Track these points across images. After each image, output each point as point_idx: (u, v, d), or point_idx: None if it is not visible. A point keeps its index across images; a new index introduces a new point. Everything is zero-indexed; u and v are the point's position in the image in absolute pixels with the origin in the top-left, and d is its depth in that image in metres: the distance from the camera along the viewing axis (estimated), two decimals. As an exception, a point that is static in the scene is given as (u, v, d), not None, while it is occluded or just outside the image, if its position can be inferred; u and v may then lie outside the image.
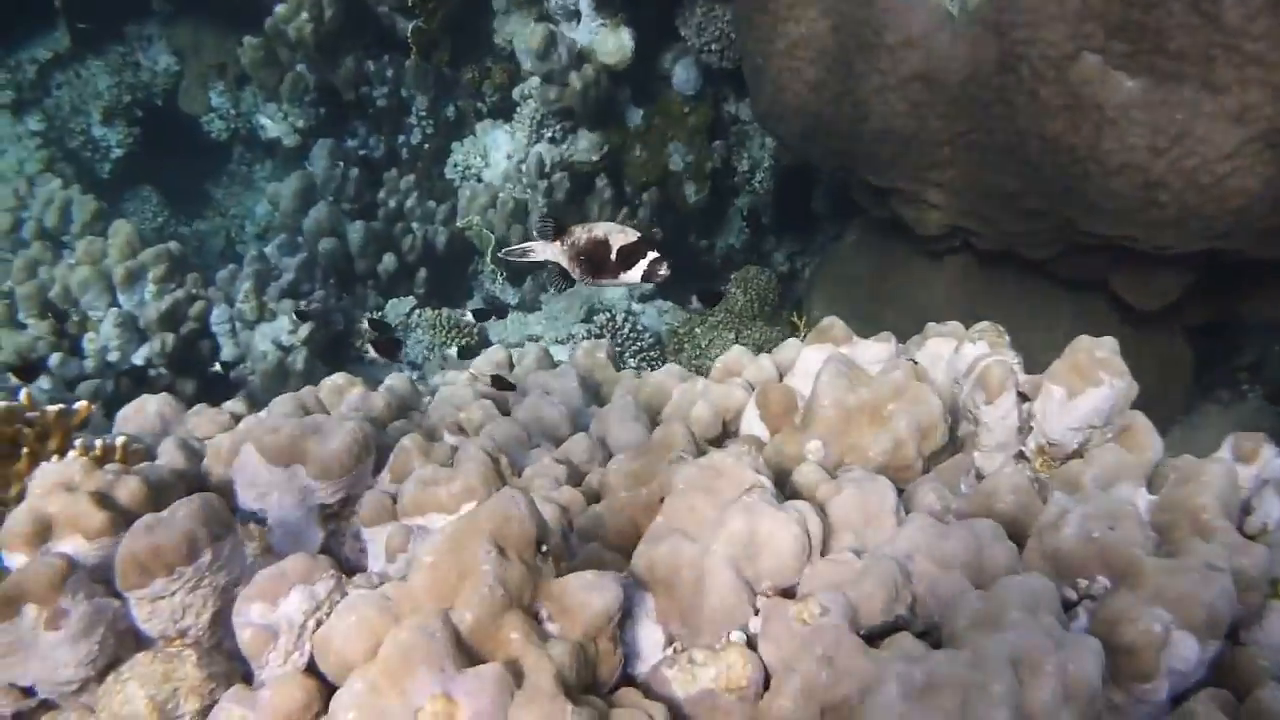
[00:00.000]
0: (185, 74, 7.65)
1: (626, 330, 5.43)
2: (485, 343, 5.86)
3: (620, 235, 2.30)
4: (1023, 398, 2.12)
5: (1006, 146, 3.79)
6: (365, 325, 5.25)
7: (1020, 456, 2.07)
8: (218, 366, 4.89)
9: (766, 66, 4.35)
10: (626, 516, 1.75)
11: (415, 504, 1.87)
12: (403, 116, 6.33)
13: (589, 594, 1.41)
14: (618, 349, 5.33)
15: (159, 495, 1.84)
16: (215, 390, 5.34)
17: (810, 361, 2.26)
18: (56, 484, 1.73)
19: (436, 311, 5.87)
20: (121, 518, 1.73)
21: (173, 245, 5.29)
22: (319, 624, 1.43)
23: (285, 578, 1.43)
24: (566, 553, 1.52)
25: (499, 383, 2.70)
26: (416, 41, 6.02)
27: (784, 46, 4.21)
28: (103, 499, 1.72)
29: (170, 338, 5.08)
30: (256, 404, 5.16)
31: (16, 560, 1.67)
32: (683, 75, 6.05)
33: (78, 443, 1.95)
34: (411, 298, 5.96)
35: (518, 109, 6.09)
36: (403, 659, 1.26)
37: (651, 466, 1.82)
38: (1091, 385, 1.94)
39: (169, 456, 2.03)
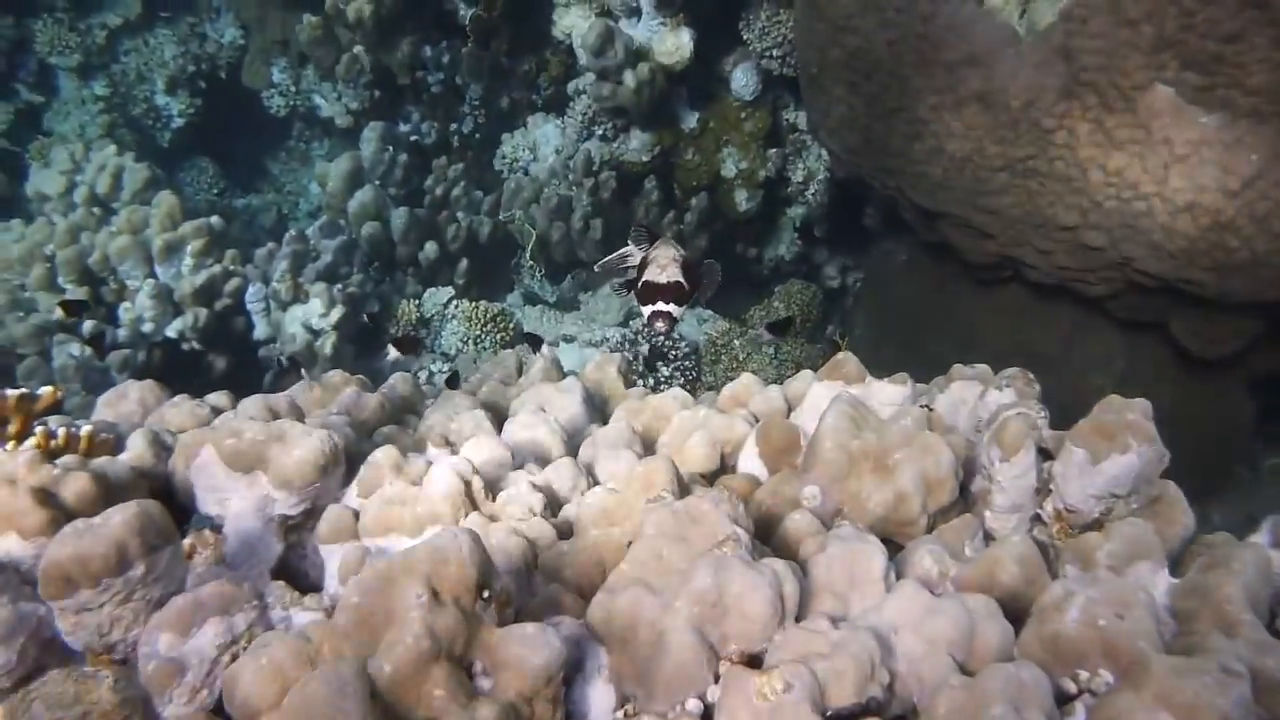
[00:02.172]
0: (250, 48, 7.67)
1: (662, 338, 5.29)
2: (519, 339, 5.77)
3: (657, 270, 2.23)
4: (1045, 455, 1.95)
5: (1065, 177, 3.59)
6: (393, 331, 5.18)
7: (1036, 520, 1.91)
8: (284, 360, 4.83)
9: (821, 77, 4.19)
10: (594, 557, 1.63)
11: (377, 523, 1.76)
12: (457, 104, 6.25)
13: (527, 650, 1.29)
14: (653, 357, 5.21)
15: (112, 494, 1.76)
16: (252, 366, 5.33)
17: (819, 398, 2.11)
18: (-1, 476, 1.65)
19: (474, 304, 5.79)
20: (64, 517, 1.65)
21: (214, 220, 5.27)
22: (234, 659, 1.33)
23: (200, 607, 1.33)
24: (512, 599, 1.40)
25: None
26: (475, 29, 5.93)
27: (840, 57, 4.04)
28: (45, 496, 1.64)
29: (204, 312, 5.06)
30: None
31: (-55, 555, 1.59)
32: (742, 79, 5.89)
33: (38, 429, 1.87)
34: (450, 288, 5.88)
35: (571, 104, 5.98)
36: (305, 713, 1.15)
37: (627, 504, 1.69)
38: (1117, 450, 1.77)
39: (135, 451, 1.94)
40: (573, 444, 2.31)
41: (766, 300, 5.59)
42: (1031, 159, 3.65)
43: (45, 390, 1.98)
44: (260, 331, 5.22)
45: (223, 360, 5.28)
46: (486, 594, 1.33)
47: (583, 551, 1.63)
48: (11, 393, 1.87)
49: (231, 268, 5.17)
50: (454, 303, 5.83)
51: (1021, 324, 4.24)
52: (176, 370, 5.24)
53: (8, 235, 5.51)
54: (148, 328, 5.06)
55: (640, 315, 5.43)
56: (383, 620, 1.26)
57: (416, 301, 5.85)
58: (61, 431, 1.90)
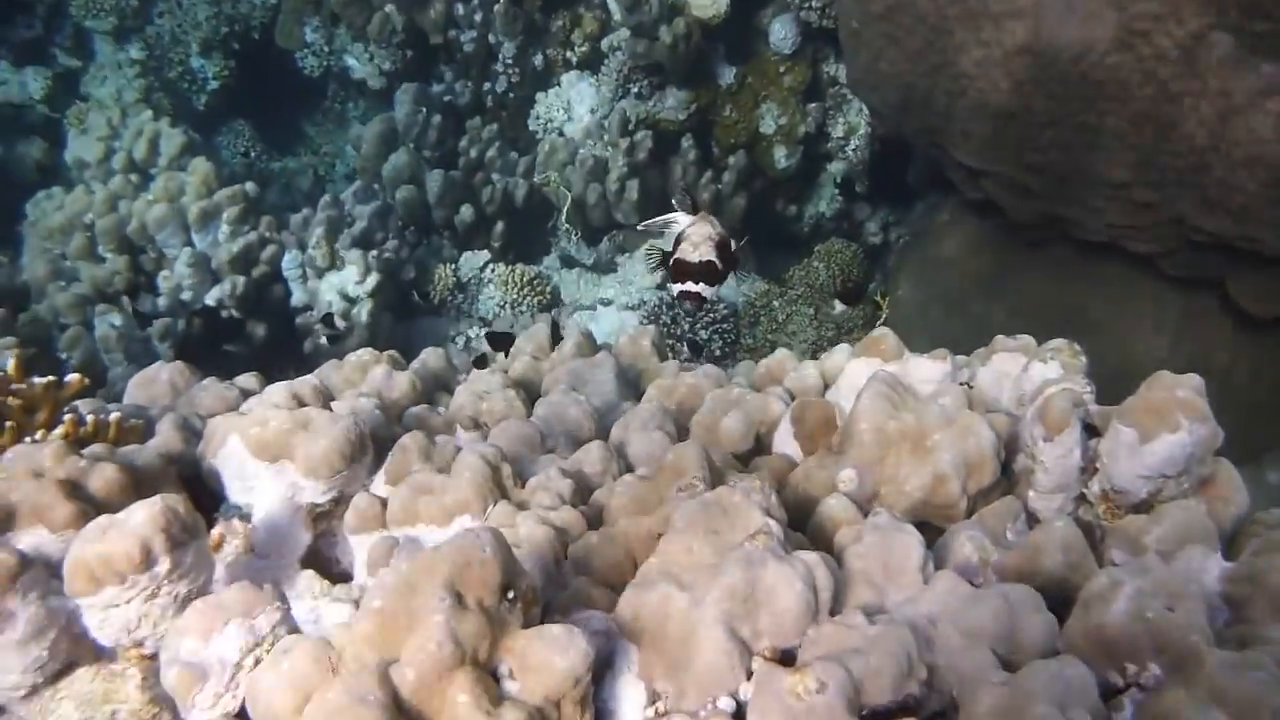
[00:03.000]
0: (282, 8, 7.61)
1: (690, 318, 5.22)
2: (557, 302, 5.73)
3: (690, 248, 2.13)
4: (1092, 431, 1.88)
5: (1118, 131, 3.46)
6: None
7: (1082, 499, 1.84)
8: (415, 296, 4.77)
9: (862, 31, 4.06)
10: (623, 548, 1.59)
11: (405, 513, 1.74)
12: (490, 63, 6.16)
13: (553, 653, 1.26)
14: (690, 320, 5.15)
15: (141, 483, 1.75)
16: (288, 332, 5.34)
17: (856, 376, 2.05)
18: (24, 468, 1.64)
19: (510, 268, 5.75)
20: (92, 509, 1.64)
21: (248, 186, 5.26)
22: (258, 662, 1.31)
23: (222, 610, 1.31)
24: (539, 597, 1.37)
25: (496, 341, 2.55)
26: (508, -15, 5.84)
27: (880, 10, 3.91)
28: (73, 488, 1.63)
29: (242, 280, 5.07)
30: (307, 364, 5.13)
31: (-25, 548, 1.59)
32: (780, 32, 5.74)
33: (66, 417, 1.86)
34: (486, 251, 5.85)
35: (605, 61, 5.87)
36: (326, 722, 1.13)
37: (658, 492, 1.65)
38: (1167, 430, 1.70)
39: (164, 437, 1.93)
40: (605, 421, 2.27)
41: (806, 260, 5.49)
42: (1081, 114, 3.52)
43: (73, 377, 1.97)
44: (298, 298, 5.22)
45: (262, 327, 5.29)
46: (511, 594, 1.30)
47: (612, 542, 1.59)
48: (39, 381, 1.86)
49: (268, 234, 5.16)
50: (490, 266, 5.79)
51: (1070, 284, 4.13)
52: (216, 338, 5.27)
53: (49, 203, 5.55)
54: (187, 296, 5.08)
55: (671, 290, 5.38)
56: (405, 625, 1.23)
57: (453, 265, 5.82)
58: (90, 419, 1.89)
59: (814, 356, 5.17)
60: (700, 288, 2.08)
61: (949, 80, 3.78)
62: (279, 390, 1.89)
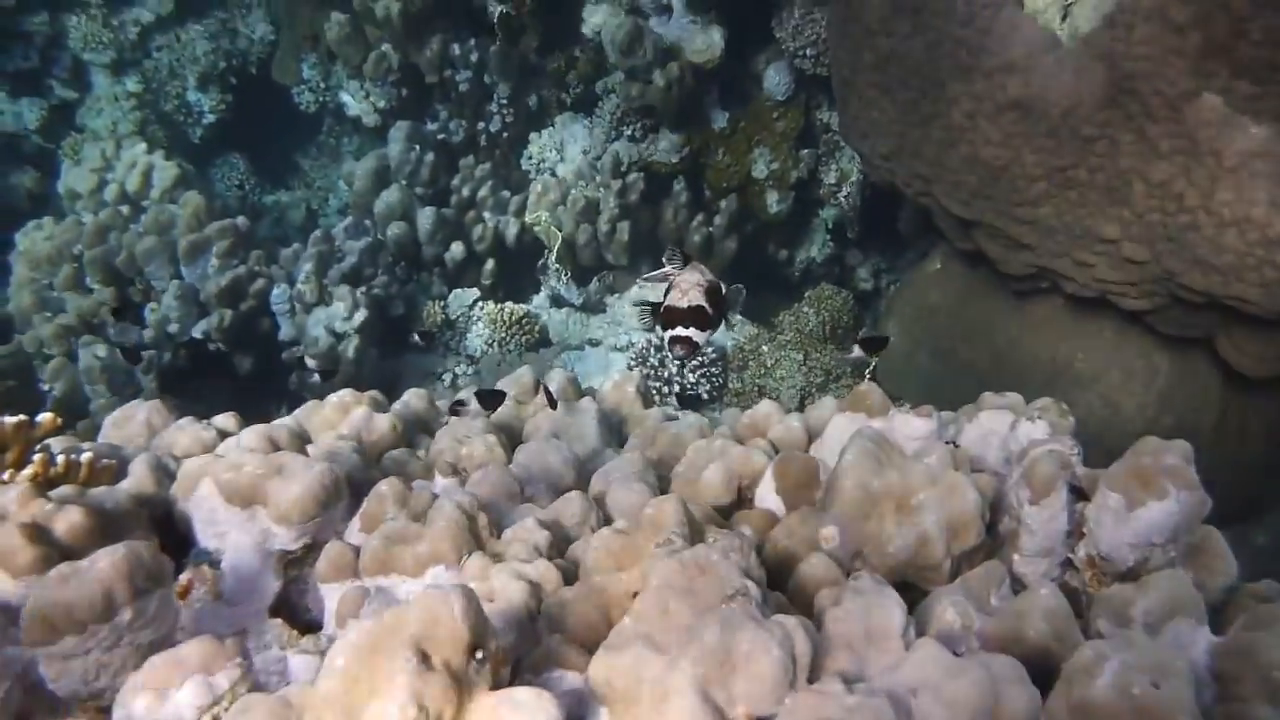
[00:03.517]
0: (280, 44, 7.66)
1: (680, 363, 5.19)
2: (544, 342, 5.71)
3: (679, 295, 2.15)
4: (1079, 494, 1.85)
5: (1107, 187, 3.47)
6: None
7: (1067, 564, 1.81)
8: (416, 338, 4.70)
9: (854, 80, 4.08)
10: (598, 605, 1.55)
11: (377, 562, 1.70)
12: (484, 103, 6.18)
13: (520, 718, 1.22)
14: (679, 364, 5.13)
15: (109, 527, 1.71)
16: (275, 366, 5.31)
17: (841, 431, 2.03)
18: (-11, 511, 1.60)
19: (499, 306, 5.74)
20: (57, 554, 1.60)
21: (239, 220, 5.26)
22: (215, 720, 1.27)
23: (179, 665, 1.27)
24: (509, 657, 1.33)
25: (486, 400, 2.51)
26: (504, 27, 5.86)
27: (873, 60, 3.93)
28: (37, 532, 1.59)
29: (229, 313, 5.04)
30: (292, 398, 5.04)
31: (-66, 594, 1.55)
32: (775, 78, 5.79)
33: (36, 456, 1.83)
34: (476, 289, 5.83)
35: (599, 103, 5.90)
36: (281, 790, 1.09)
37: (635, 548, 1.61)
38: (1154, 497, 1.67)
39: (137, 479, 1.90)
40: (587, 468, 2.24)
41: (796, 305, 5.49)
42: (1071, 169, 3.53)
43: (45, 416, 1.93)
44: (285, 333, 5.19)
45: (248, 360, 5.26)
46: (481, 654, 1.26)
47: (586, 598, 1.56)
48: (9, 420, 1.82)
49: (257, 268, 5.15)
50: (479, 304, 5.78)
51: (1059, 336, 4.12)
52: (202, 370, 5.23)
53: (39, 233, 5.53)
54: (174, 328, 5.05)
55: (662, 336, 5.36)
56: (369, 686, 1.20)
57: (442, 303, 5.80)
58: (61, 459, 1.85)
59: (802, 403, 5.19)
60: (691, 332, 2.07)
61: (940, 131, 3.80)
62: (254, 434, 1.86)
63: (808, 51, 5.67)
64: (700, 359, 5.22)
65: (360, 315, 5.03)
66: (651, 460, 2.12)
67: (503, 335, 5.58)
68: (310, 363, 4.04)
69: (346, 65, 6.18)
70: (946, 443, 1.89)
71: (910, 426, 2.00)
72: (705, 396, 5.19)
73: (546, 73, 6.14)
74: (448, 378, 5.52)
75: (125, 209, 5.71)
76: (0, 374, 3.94)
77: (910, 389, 4.72)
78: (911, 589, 1.76)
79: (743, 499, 2.06)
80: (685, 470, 2.08)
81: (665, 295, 2.27)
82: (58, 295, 5.14)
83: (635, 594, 1.52)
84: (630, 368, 5.15)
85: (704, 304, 2.15)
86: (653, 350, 5.17)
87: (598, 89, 5.93)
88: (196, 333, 5.10)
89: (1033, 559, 1.78)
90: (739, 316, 5.76)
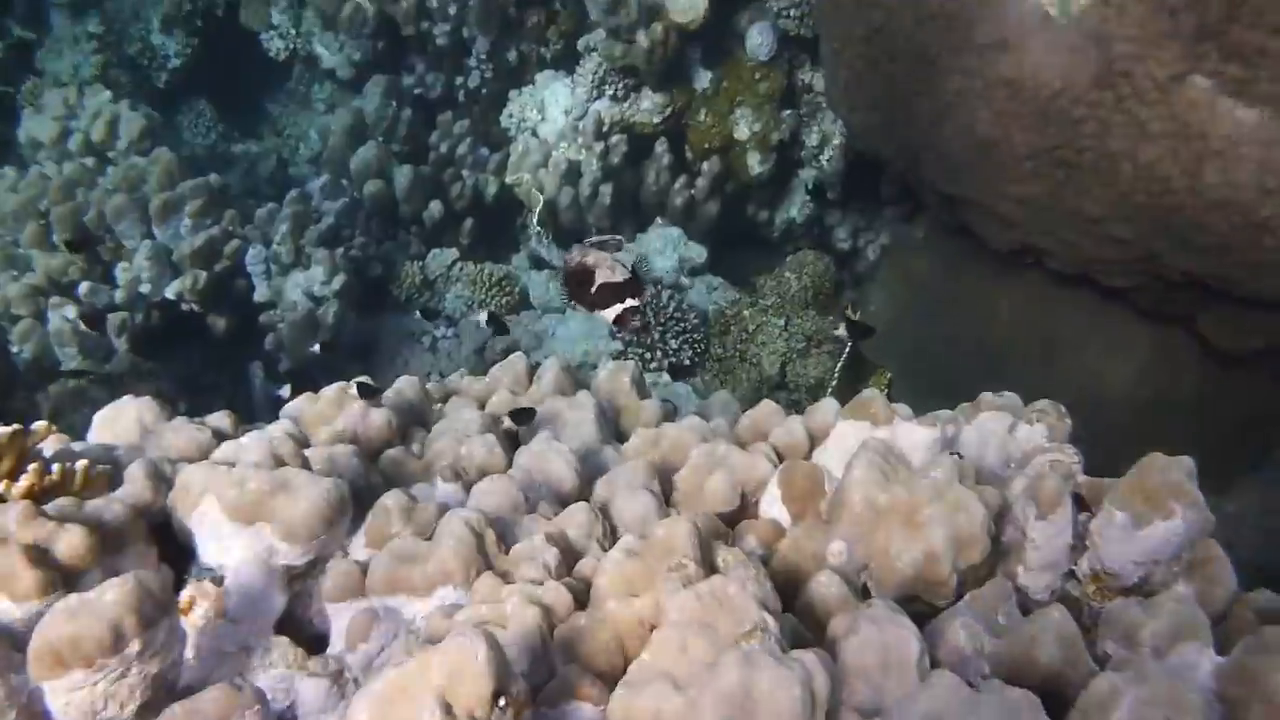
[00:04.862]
0: (249, -14, 7.43)
1: (671, 309, 5.18)
2: (526, 303, 5.66)
3: (608, 271, 2.32)
4: (1081, 504, 1.87)
5: (1095, 167, 3.46)
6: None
7: (1070, 575, 1.84)
8: (317, 348, 4.59)
9: (843, 52, 4.03)
10: (612, 632, 1.55)
11: (385, 582, 1.69)
12: (463, 57, 6.05)
13: (546, 764, 1.23)
14: (660, 330, 5.11)
15: (109, 543, 1.68)
16: (250, 329, 5.23)
17: (845, 438, 2.03)
18: (-11, 533, 1.57)
19: (479, 266, 5.67)
20: (58, 577, 1.58)
21: (212, 178, 5.13)
22: (238, 768, 1.26)
23: (198, 715, 1.26)
24: (529, 701, 1.33)
25: (518, 416, 2.51)
26: (482, -21, 5.73)
27: (863, 33, 3.88)
28: (38, 555, 1.56)
29: (203, 275, 4.95)
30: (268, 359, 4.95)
31: (-66, 621, 1.52)
32: (758, 39, 5.69)
33: (31, 467, 1.79)
34: (454, 250, 5.76)
35: (580, 62, 5.79)
36: None
37: (648, 571, 1.61)
38: (1160, 516, 1.69)
39: (134, 486, 1.86)
40: (586, 467, 2.23)
41: (777, 270, 5.47)
42: (1059, 148, 3.52)
43: (39, 425, 1.89)
44: (261, 294, 5.11)
45: (222, 321, 5.18)
46: (503, 701, 1.26)
47: (601, 626, 1.56)
48: (3, 430, 1.78)
49: (231, 228, 5.04)
50: (458, 264, 5.71)
51: (1042, 309, 4.15)
52: (175, 331, 5.15)
53: (0, 183, 5.37)
54: (145, 288, 4.95)
55: (652, 284, 5.34)
56: (393, 737, 1.19)
57: (420, 263, 5.72)
58: (56, 468, 1.81)
59: (783, 368, 5.19)
60: (636, 302, 2.18)
61: (929, 106, 3.76)
62: (257, 447, 1.83)
63: (791, 12, 5.59)
64: (682, 324, 5.20)
65: (339, 280, 4.95)
66: (654, 464, 2.11)
67: (482, 296, 5.52)
68: (315, 348, 4.00)
69: (321, 16, 6.00)
70: (950, 453, 1.90)
71: (915, 436, 2.01)
72: (687, 363, 5.19)
73: (526, 26, 6.01)
74: (427, 340, 5.47)
75: (91, 161, 5.56)
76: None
77: (894, 356, 4.75)
78: (918, 603, 1.77)
79: (746, 505, 2.07)
80: (689, 476, 2.08)
81: (582, 282, 2.39)
82: (24, 253, 5.01)
83: (649, 623, 1.53)
84: (613, 336, 5.13)
85: (633, 274, 2.33)
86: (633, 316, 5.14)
87: (579, 46, 5.81)
88: (169, 293, 5.01)
89: (1037, 572, 1.80)
90: (720, 279, 5.75)
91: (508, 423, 2.35)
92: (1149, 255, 3.53)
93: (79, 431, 4.49)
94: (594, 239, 2.59)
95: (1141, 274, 3.64)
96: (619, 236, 2.77)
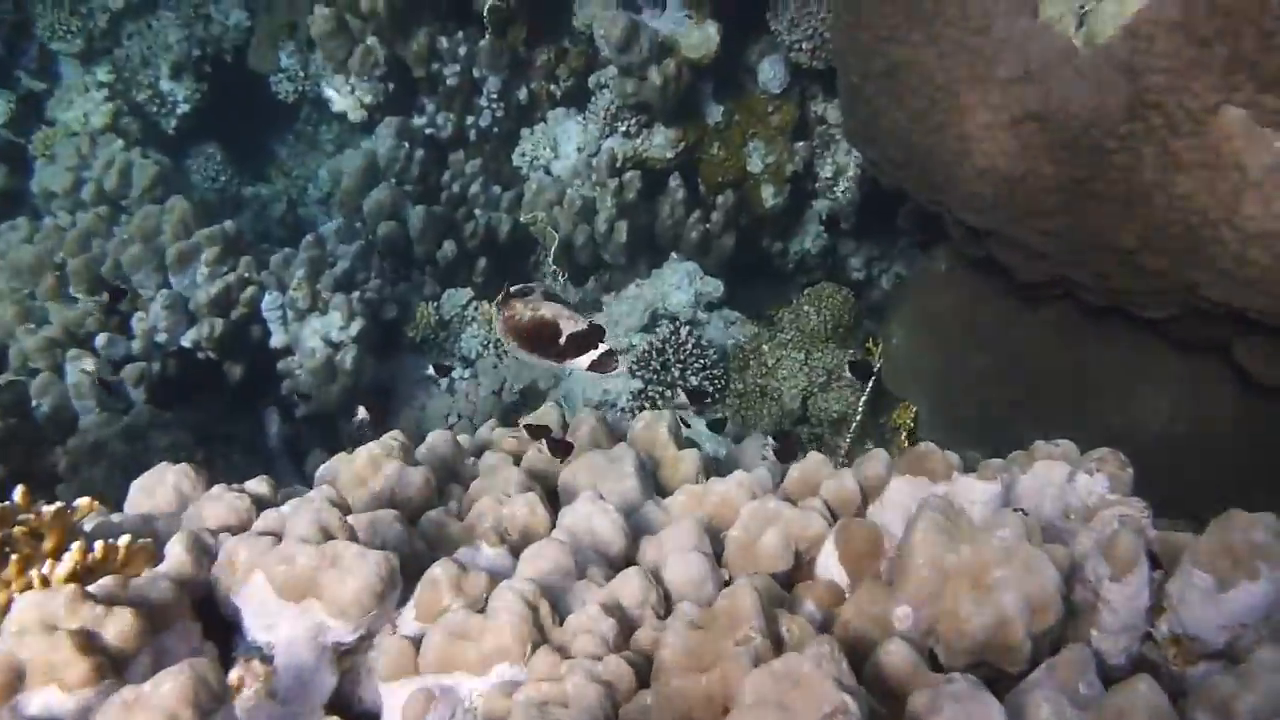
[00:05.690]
0: (256, 31, 7.46)
1: (689, 346, 5.14)
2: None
3: (571, 322, 2.39)
4: (1154, 561, 1.81)
5: (1127, 200, 3.42)
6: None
7: (1148, 637, 1.77)
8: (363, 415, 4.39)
9: (863, 87, 4.00)
10: (681, 711, 1.50)
11: (440, 661, 1.64)
12: (473, 96, 6.03)
13: None
14: (680, 366, 5.06)
15: (155, 620, 1.63)
16: (265, 373, 5.19)
17: (902, 496, 1.97)
18: (35, 621, 1.52)
19: (494, 305, 5.63)
20: (107, 663, 1.52)
21: (228, 225, 5.11)
22: None
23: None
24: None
25: (554, 447, 2.48)
26: (492, 19, 5.72)
27: (883, 67, 3.85)
28: (87, 641, 1.51)
29: (219, 322, 4.91)
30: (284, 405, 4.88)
31: (-17, 716, 1.47)
32: (769, 71, 5.68)
33: (74, 545, 1.73)
34: (469, 289, 5.72)
35: (592, 98, 5.77)
36: None
37: (713, 645, 1.55)
38: (1246, 578, 1.63)
39: (176, 561, 1.81)
40: (630, 524, 2.17)
41: (796, 303, 5.42)
42: (1090, 180, 3.47)
43: (82, 501, 1.85)
44: (277, 340, 5.07)
45: (238, 369, 5.14)
46: (583, 798, 1.20)
47: (668, 704, 1.50)
48: (47, 508, 1.73)
49: (247, 275, 5.01)
50: (473, 304, 5.67)
51: (1071, 342, 4.09)
52: (192, 378, 5.11)
53: (14, 234, 5.36)
54: (162, 338, 4.92)
55: (670, 319, 5.30)
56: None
57: (435, 303, 5.69)
58: (99, 546, 1.76)
59: (804, 403, 5.14)
60: (606, 345, 2.36)
61: (954, 141, 3.72)
62: (303, 520, 1.77)
63: (803, 45, 5.57)
64: (702, 360, 5.16)
65: (357, 324, 4.91)
66: (701, 522, 2.05)
67: (499, 336, 5.46)
68: (362, 413, 3.95)
69: (331, 60, 6.00)
70: (1015, 509, 1.84)
71: (975, 490, 1.95)
72: (709, 400, 5.13)
73: (536, 65, 6.00)
74: (444, 382, 5.42)
75: (104, 209, 5.55)
76: (3, 412, 3.79)
77: (917, 395, 4.70)
78: (987, 668, 1.71)
79: (800, 564, 2.01)
80: (740, 535, 2.02)
81: (537, 332, 2.44)
82: (40, 306, 4.98)
83: (719, 701, 1.47)
84: (633, 374, 5.08)
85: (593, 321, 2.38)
86: (654, 354, 5.10)
87: (590, 83, 5.80)
88: (186, 342, 4.97)
89: (1113, 635, 1.74)
90: (737, 313, 5.71)
91: (543, 451, 2.35)
92: (1185, 286, 3.48)
93: (97, 484, 4.45)
94: (515, 287, 2.63)
95: (1177, 305, 3.59)
96: (533, 284, 2.81)
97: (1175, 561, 1.76)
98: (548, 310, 2.45)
